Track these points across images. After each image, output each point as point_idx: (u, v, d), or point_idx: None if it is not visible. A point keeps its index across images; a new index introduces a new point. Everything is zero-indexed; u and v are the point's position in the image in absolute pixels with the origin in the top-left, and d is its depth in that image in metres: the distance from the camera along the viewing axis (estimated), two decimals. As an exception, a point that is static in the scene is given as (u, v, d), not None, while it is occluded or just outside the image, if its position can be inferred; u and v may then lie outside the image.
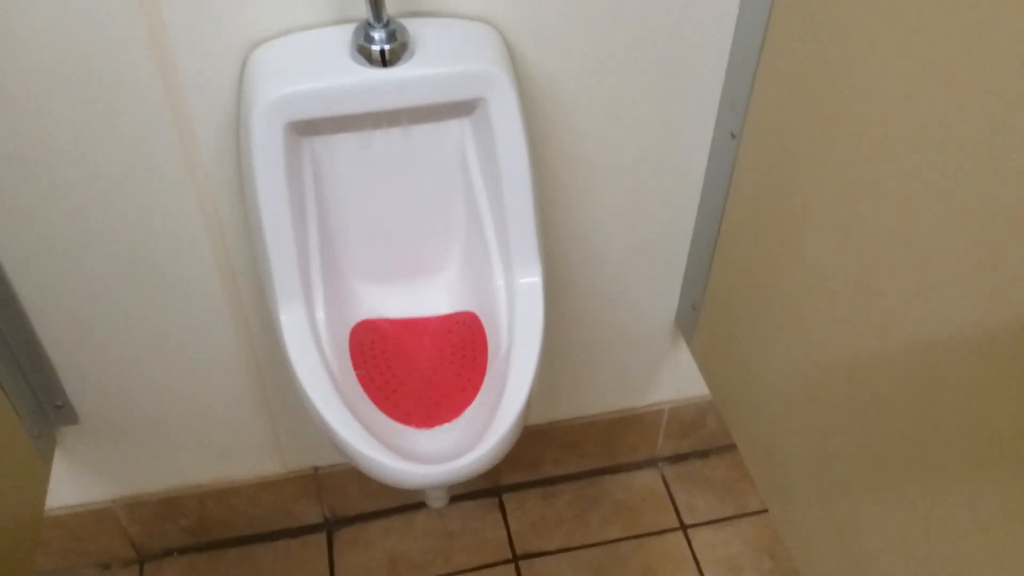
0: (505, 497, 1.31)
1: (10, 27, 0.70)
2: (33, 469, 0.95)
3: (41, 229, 0.83)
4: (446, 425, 0.81)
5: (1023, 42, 0.51)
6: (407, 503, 1.28)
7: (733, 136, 0.87)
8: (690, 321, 1.09)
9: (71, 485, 1.11)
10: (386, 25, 0.70)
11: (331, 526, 1.27)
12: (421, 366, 0.86)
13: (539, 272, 0.82)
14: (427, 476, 0.74)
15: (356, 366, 0.84)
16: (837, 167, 0.72)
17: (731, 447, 1.34)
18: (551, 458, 1.29)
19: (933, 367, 0.64)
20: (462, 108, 0.77)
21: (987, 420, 0.58)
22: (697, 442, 1.34)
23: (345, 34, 0.72)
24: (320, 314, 0.82)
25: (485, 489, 1.31)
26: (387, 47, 0.70)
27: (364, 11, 0.69)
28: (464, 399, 0.83)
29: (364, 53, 0.70)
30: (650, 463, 1.35)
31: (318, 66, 0.72)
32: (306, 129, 0.75)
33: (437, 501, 1.00)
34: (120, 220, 0.84)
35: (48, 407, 0.99)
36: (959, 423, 0.61)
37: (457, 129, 0.79)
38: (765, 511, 1.29)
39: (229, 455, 1.13)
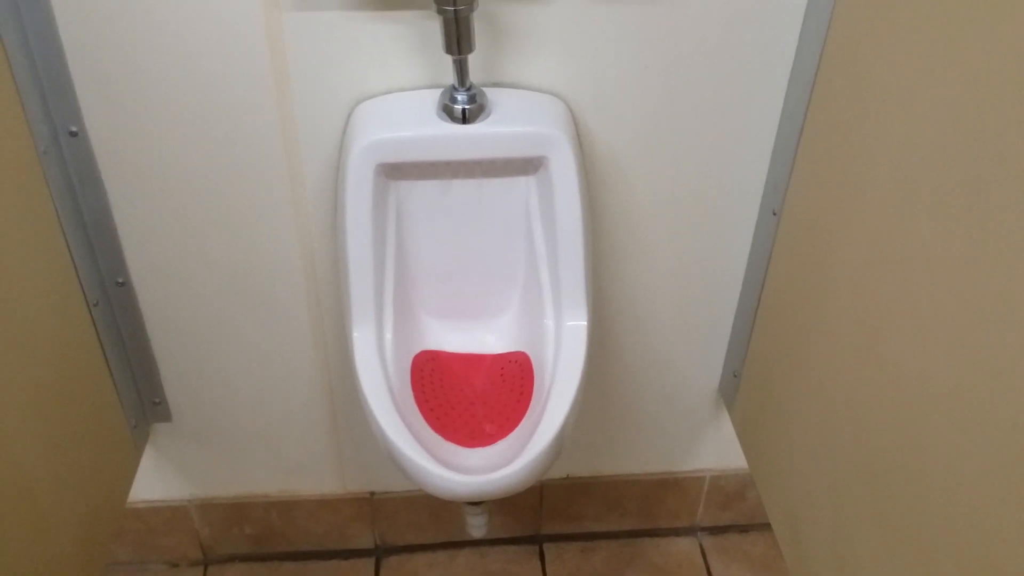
0: (545, 546, 1.36)
1: (167, 69, 0.85)
2: (125, 456, 1.05)
3: (163, 241, 0.97)
4: (488, 447, 0.89)
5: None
6: (452, 540, 1.35)
7: (774, 213, 0.95)
8: (731, 389, 1.15)
9: (154, 480, 1.23)
10: (468, 89, 0.83)
11: (380, 553, 1.35)
12: (472, 396, 0.95)
13: (585, 317, 0.91)
14: (463, 484, 0.82)
15: (414, 387, 0.94)
16: (864, 246, 0.77)
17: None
18: (592, 513, 1.34)
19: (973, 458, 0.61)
20: (528, 166, 0.88)
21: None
22: (738, 515, 1.37)
23: (434, 96, 0.85)
24: (388, 336, 0.93)
25: (527, 536, 1.37)
26: (467, 107, 0.82)
27: (452, 78, 0.83)
28: (507, 427, 0.91)
29: (448, 111, 0.83)
30: (689, 531, 1.38)
31: (408, 119, 0.85)
32: (393, 173, 0.88)
33: (477, 530, 1.07)
34: (229, 239, 0.98)
35: (147, 402, 1.11)
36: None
37: (523, 185, 0.90)
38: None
39: (296, 470, 1.23)
